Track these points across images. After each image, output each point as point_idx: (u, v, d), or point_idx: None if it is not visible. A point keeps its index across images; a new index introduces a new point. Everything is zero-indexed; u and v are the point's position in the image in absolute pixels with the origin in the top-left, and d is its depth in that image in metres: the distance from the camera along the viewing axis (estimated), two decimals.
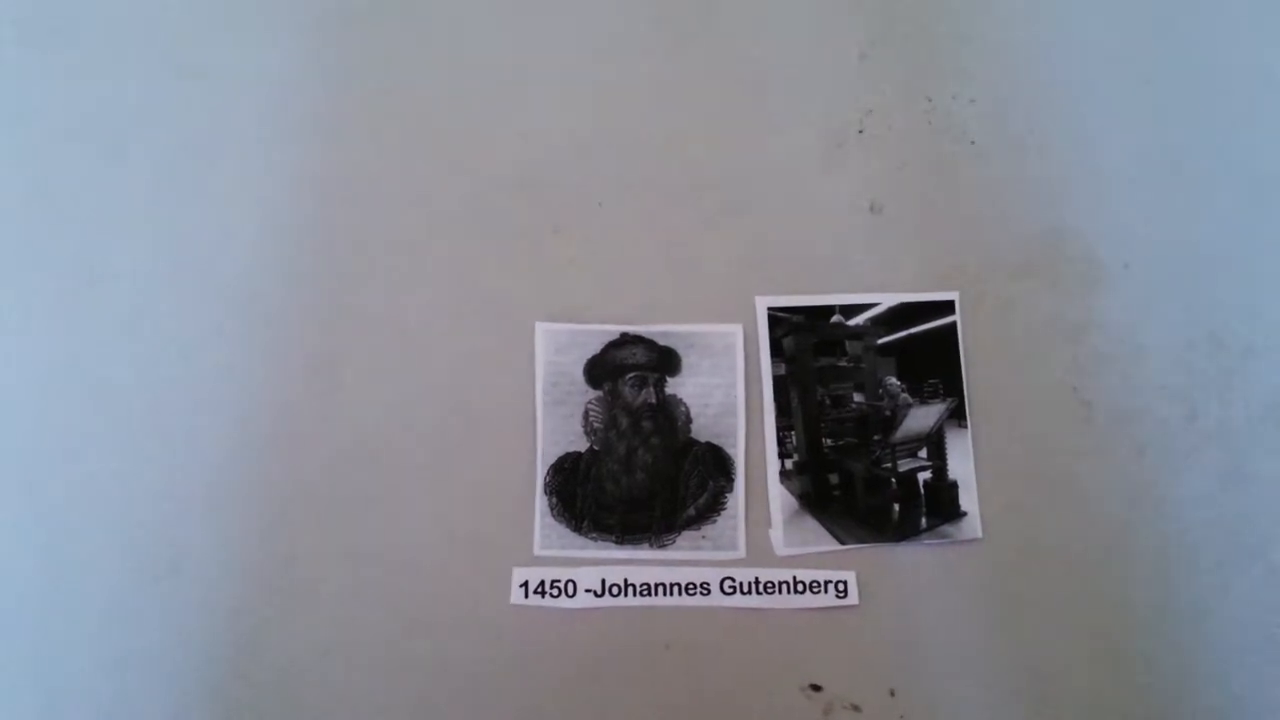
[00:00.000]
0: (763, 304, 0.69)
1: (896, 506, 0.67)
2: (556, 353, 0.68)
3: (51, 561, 0.65)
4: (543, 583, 0.65)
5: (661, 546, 0.66)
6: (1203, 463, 0.68)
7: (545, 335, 0.68)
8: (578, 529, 0.66)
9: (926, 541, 0.66)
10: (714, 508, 0.67)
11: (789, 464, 0.67)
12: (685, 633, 0.64)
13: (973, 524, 0.66)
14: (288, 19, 0.74)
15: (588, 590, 0.65)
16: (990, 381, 0.69)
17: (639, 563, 0.66)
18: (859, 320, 0.70)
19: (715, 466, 0.67)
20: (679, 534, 0.66)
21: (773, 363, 0.69)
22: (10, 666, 0.63)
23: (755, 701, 0.64)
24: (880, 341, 0.69)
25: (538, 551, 0.66)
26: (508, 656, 0.64)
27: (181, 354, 0.68)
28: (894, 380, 0.69)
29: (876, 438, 0.68)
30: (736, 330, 0.69)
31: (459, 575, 0.65)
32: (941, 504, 0.67)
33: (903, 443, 0.68)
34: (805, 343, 0.69)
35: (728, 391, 0.68)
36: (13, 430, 0.67)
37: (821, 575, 0.65)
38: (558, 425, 0.67)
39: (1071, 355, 0.69)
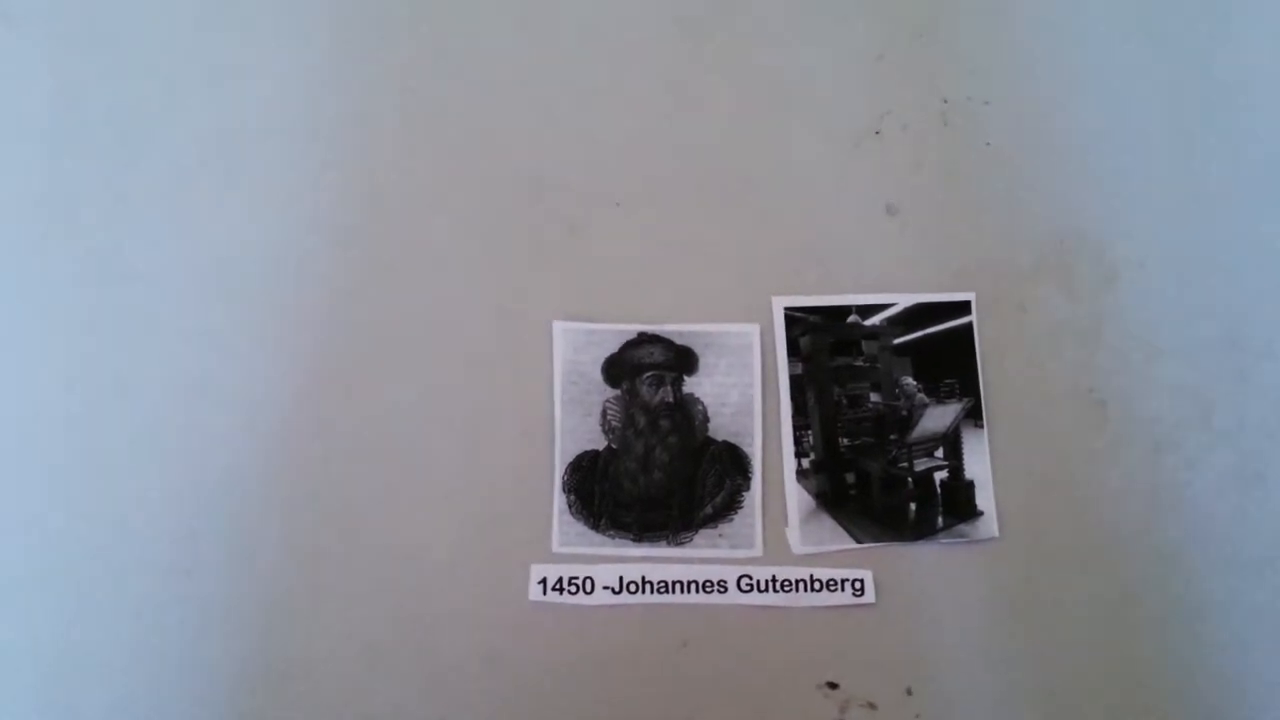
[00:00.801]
0: (779, 304, 0.70)
1: (913, 506, 0.68)
2: (574, 352, 0.69)
3: (65, 558, 0.65)
4: (561, 580, 0.65)
5: (679, 544, 0.66)
6: (1218, 462, 0.68)
7: (563, 335, 0.69)
8: (596, 527, 0.66)
9: (943, 540, 0.67)
10: (731, 506, 0.67)
11: (806, 463, 0.68)
12: (702, 630, 0.65)
13: (989, 523, 0.67)
14: (305, 19, 0.74)
15: (605, 587, 0.65)
16: (1006, 381, 0.69)
17: (656, 560, 0.66)
18: (875, 320, 0.70)
19: (732, 465, 0.68)
20: (696, 532, 0.67)
21: (789, 362, 0.69)
22: (24, 663, 0.64)
23: (772, 699, 0.64)
24: (896, 341, 0.70)
25: (556, 549, 0.66)
26: (525, 653, 0.64)
27: (198, 352, 0.68)
28: (910, 380, 0.69)
29: (893, 437, 0.69)
30: (753, 330, 0.69)
31: (477, 572, 0.65)
32: (958, 503, 0.67)
33: (919, 442, 0.69)
34: (822, 342, 0.69)
35: (744, 391, 0.69)
36: (28, 429, 0.67)
37: (838, 574, 0.66)
38: (576, 424, 0.68)
39: (1087, 355, 0.69)
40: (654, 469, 0.68)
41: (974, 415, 0.68)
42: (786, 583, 0.65)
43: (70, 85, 0.73)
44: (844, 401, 0.69)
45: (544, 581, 0.65)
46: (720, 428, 0.68)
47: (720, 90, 0.74)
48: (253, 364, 0.68)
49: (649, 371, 0.69)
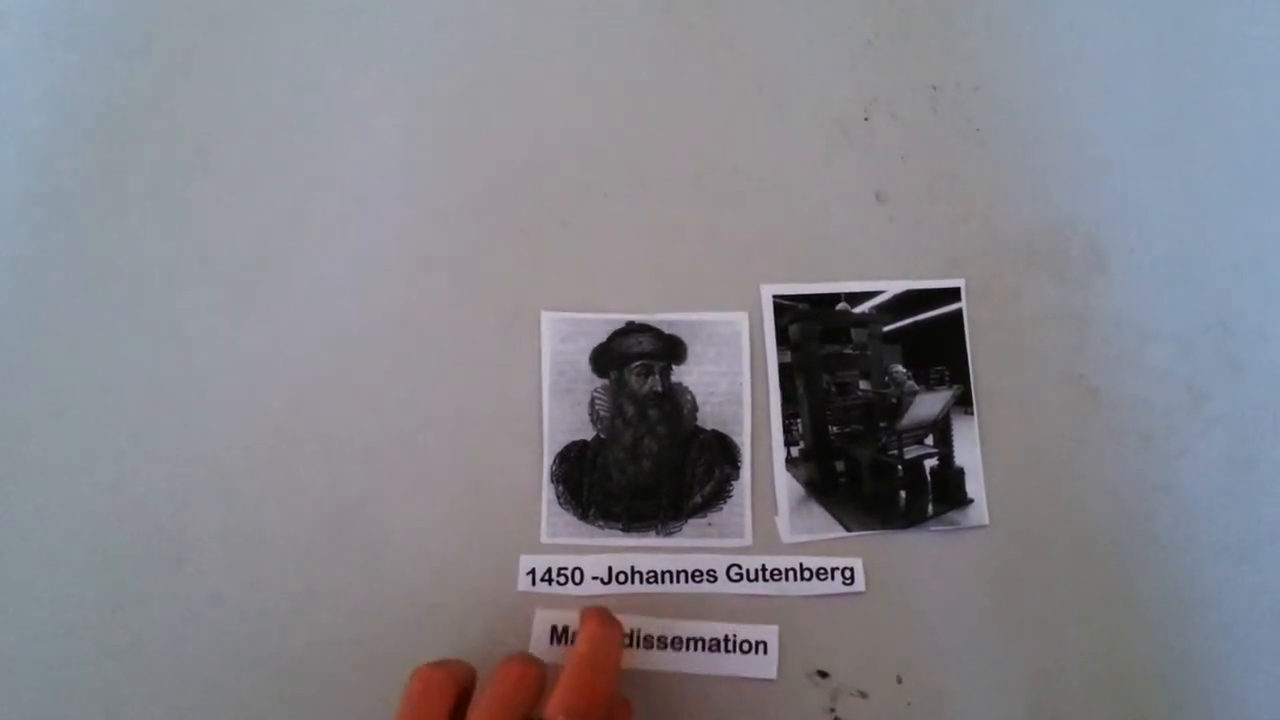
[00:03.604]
0: (768, 292, 0.69)
1: (903, 493, 0.67)
2: (562, 341, 0.68)
3: (56, 552, 0.65)
4: (549, 570, 0.65)
5: (668, 534, 0.66)
6: (1210, 449, 0.67)
7: (551, 324, 0.69)
8: (584, 517, 0.66)
9: (933, 528, 0.66)
10: (720, 495, 0.67)
11: (795, 451, 0.67)
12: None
13: (979, 511, 0.66)
14: (293, 11, 0.74)
15: (594, 578, 0.65)
16: (996, 368, 0.69)
17: (646, 550, 0.66)
18: (865, 308, 0.70)
19: (721, 454, 0.67)
20: (685, 522, 0.66)
21: (778, 350, 0.69)
22: (15, 657, 0.64)
23: (762, 688, 0.64)
24: (886, 329, 0.69)
25: (544, 539, 0.66)
26: (515, 644, 0.64)
27: (186, 345, 0.68)
28: (900, 367, 0.69)
29: (883, 425, 0.68)
30: (742, 318, 0.69)
31: (465, 563, 0.65)
32: (948, 491, 0.67)
33: (909, 430, 0.68)
34: (811, 330, 0.69)
35: (733, 379, 0.68)
36: (19, 423, 0.67)
37: (828, 562, 0.65)
38: (564, 414, 0.67)
39: (1078, 342, 0.69)
40: (642, 459, 0.67)
41: (964, 402, 0.68)
42: (776, 572, 0.65)
43: (63, 85, 0.73)
44: (833, 389, 0.69)
45: (533, 572, 0.65)
46: (709, 417, 0.68)
47: (707, 78, 0.74)
48: (240, 358, 0.68)
49: (637, 361, 0.68)
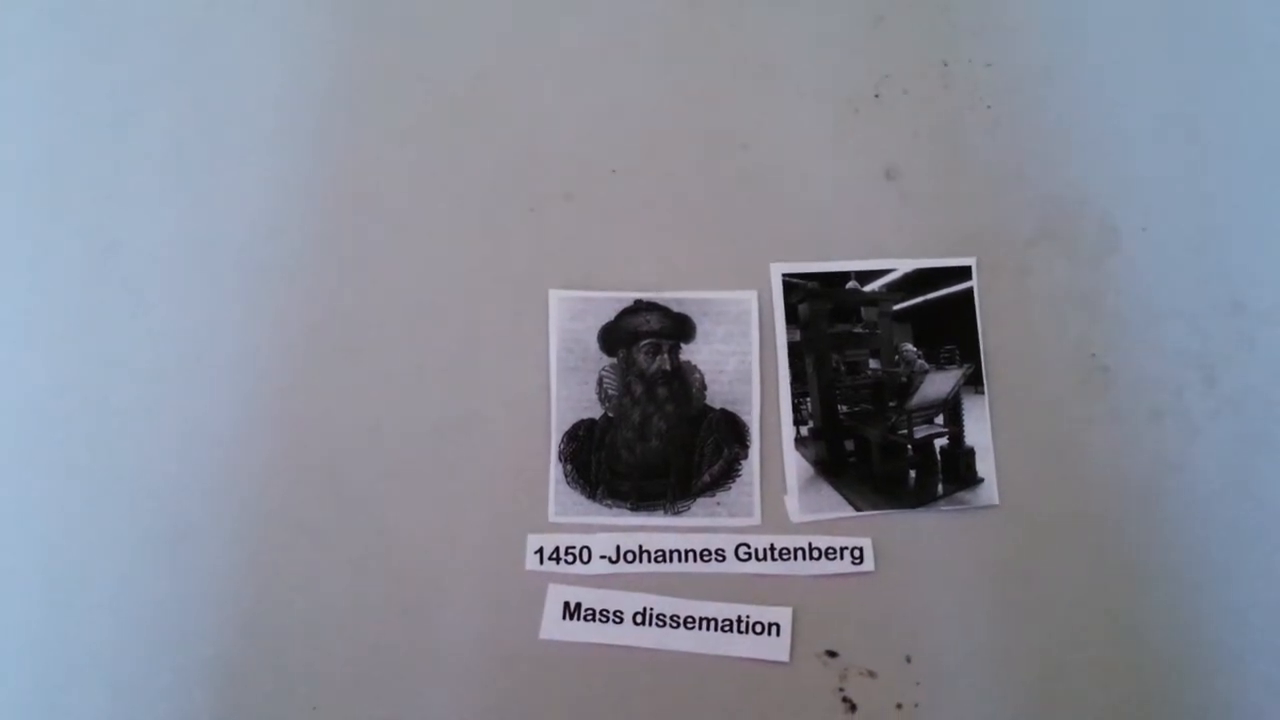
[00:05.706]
0: (778, 270, 0.69)
1: (913, 473, 0.67)
2: (570, 320, 0.68)
3: (61, 530, 0.65)
4: (557, 549, 0.65)
5: (676, 513, 0.66)
6: (1221, 428, 0.67)
7: (559, 303, 0.68)
8: (592, 496, 0.66)
9: (943, 508, 0.66)
10: (729, 474, 0.66)
11: (804, 430, 0.67)
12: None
13: (989, 490, 0.66)
14: None
15: (602, 557, 0.65)
16: (1007, 347, 0.68)
17: (654, 529, 0.66)
18: (875, 286, 0.69)
19: (730, 433, 0.67)
20: (694, 501, 0.66)
21: (788, 329, 0.68)
22: (21, 634, 0.64)
23: (770, 669, 0.64)
24: (896, 307, 0.69)
25: (552, 518, 0.65)
26: (522, 622, 0.64)
27: (192, 322, 0.68)
28: (910, 346, 0.69)
29: (892, 404, 0.68)
30: (751, 296, 0.69)
31: (473, 542, 0.65)
32: (958, 470, 0.67)
33: (919, 409, 0.68)
34: (820, 309, 0.69)
35: (742, 358, 0.68)
36: (22, 402, 0.66)
37: (837, 542, 0.65)
38: (572, 392, 0.67)
39: (1089, 320, 0.68)
40: (651, 437, 0.67)
41: (974, 381, 0.68)
42: (785, 551, 0.65)
43: (66, 61, 0.72)
44: (843, 368, 0.68)
45: (540, 551, 0.65)
46: (718, 395, 0.68)
47: (717, 55, 0.73)
48: (247, 335, 0.68)
49: (646, 339, 0.68)
